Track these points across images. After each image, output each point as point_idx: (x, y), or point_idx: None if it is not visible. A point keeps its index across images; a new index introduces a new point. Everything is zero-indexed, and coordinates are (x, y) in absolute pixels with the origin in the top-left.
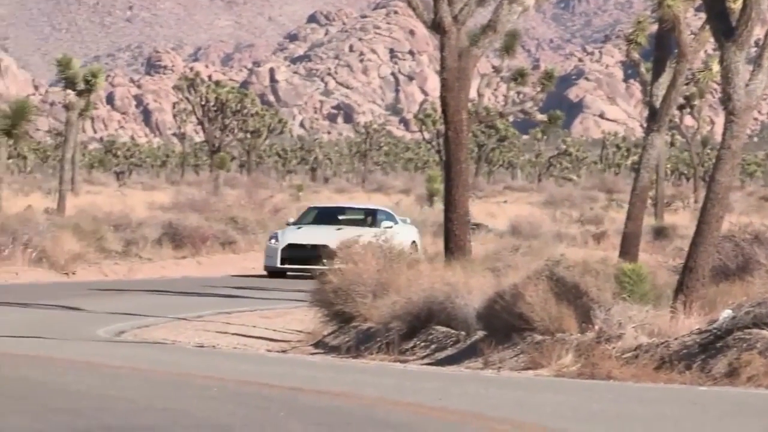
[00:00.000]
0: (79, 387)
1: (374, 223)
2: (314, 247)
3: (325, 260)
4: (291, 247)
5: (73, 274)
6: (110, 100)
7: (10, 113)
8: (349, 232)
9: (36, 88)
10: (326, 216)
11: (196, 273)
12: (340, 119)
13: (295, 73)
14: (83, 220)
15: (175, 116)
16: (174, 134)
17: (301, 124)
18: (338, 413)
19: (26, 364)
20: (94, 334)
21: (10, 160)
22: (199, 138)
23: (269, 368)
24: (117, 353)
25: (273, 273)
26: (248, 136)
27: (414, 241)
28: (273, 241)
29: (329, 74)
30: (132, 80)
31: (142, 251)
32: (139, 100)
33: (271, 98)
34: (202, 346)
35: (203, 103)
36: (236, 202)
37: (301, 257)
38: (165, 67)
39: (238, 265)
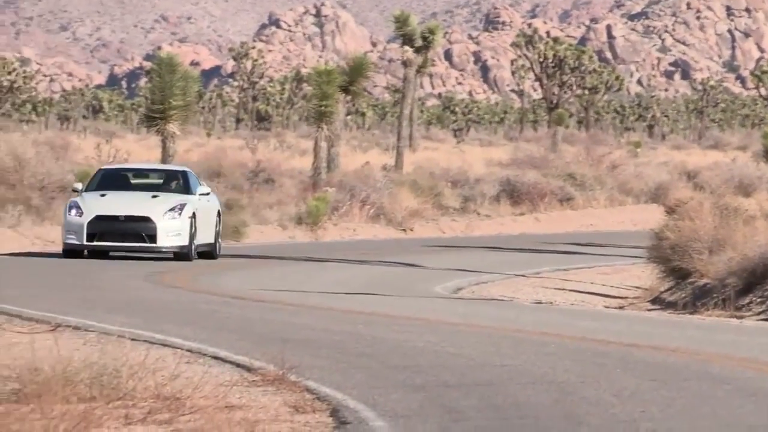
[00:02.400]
0: (416, 344)
1: (187, 189)
2: (131, 218)
3: (144, 235)
4: (100, 219)
5: (411, 230)
6: (448, 56)
7: (347, 70)
8: (170, 200)
9: (374, 44)
10: (116, 180)
11: (534, 229)
12: (677, 76)
13: (633, 30)
14: (420, 177)
15: (513, 73)
16: (512, 91)
17: (639, 81)
18: (673, 369)
19: (363, 321)
20: (431, 290)
21: (349, 117)
22: (537, 95)
23: (606, 324)
24: (454, 310)
25: (72, 253)
26: (586, 92)
27: (219, 211)
28: (74, 212)
29: (666, 31)
30: (470, 36)
31: (480, 208)
32: (477, 57)
33: (608, 55)
34: (539, 303)
35: (541, 59)
36: (574, 158)
37: (115, 232)
38: (503, 24)
39: (576, 221)
